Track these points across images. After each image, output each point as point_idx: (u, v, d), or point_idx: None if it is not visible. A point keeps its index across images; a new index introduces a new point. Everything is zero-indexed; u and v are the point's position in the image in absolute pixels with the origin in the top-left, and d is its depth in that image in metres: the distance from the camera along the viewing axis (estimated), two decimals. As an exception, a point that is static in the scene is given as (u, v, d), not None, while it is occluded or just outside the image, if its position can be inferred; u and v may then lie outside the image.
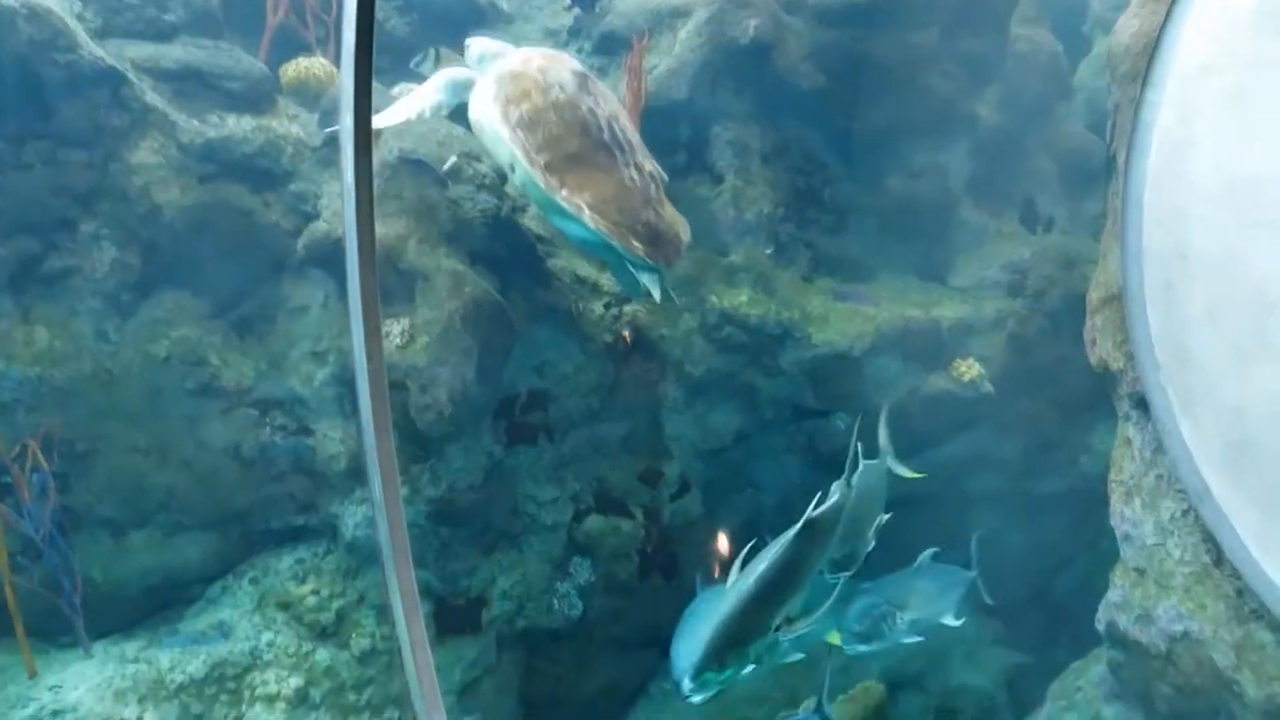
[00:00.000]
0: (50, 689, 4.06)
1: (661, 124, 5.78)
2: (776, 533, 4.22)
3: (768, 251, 5.97)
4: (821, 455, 5.85)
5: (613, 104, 4.78)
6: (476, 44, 5.02)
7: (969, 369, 5.98)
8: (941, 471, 6.04)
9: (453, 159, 5.29)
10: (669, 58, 5.95)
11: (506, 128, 4.46)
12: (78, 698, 4.00)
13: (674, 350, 5.66)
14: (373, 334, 2.38)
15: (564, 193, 4.39)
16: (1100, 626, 4.65)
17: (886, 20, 6.21)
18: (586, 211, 4.36)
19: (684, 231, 4.70)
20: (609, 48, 6.24)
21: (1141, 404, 4.47)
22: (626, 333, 5.61)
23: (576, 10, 6.48)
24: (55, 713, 3.95)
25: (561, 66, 4.71)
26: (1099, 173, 6.27)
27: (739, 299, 5.74)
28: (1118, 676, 4.62)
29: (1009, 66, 6.68)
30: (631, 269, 4.54)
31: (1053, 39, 7.00)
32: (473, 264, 5.12)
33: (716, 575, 4.83)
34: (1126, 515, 4.70)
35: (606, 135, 4.56)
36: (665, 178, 4.83)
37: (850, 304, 5.98)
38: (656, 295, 4.58)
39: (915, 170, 6.44)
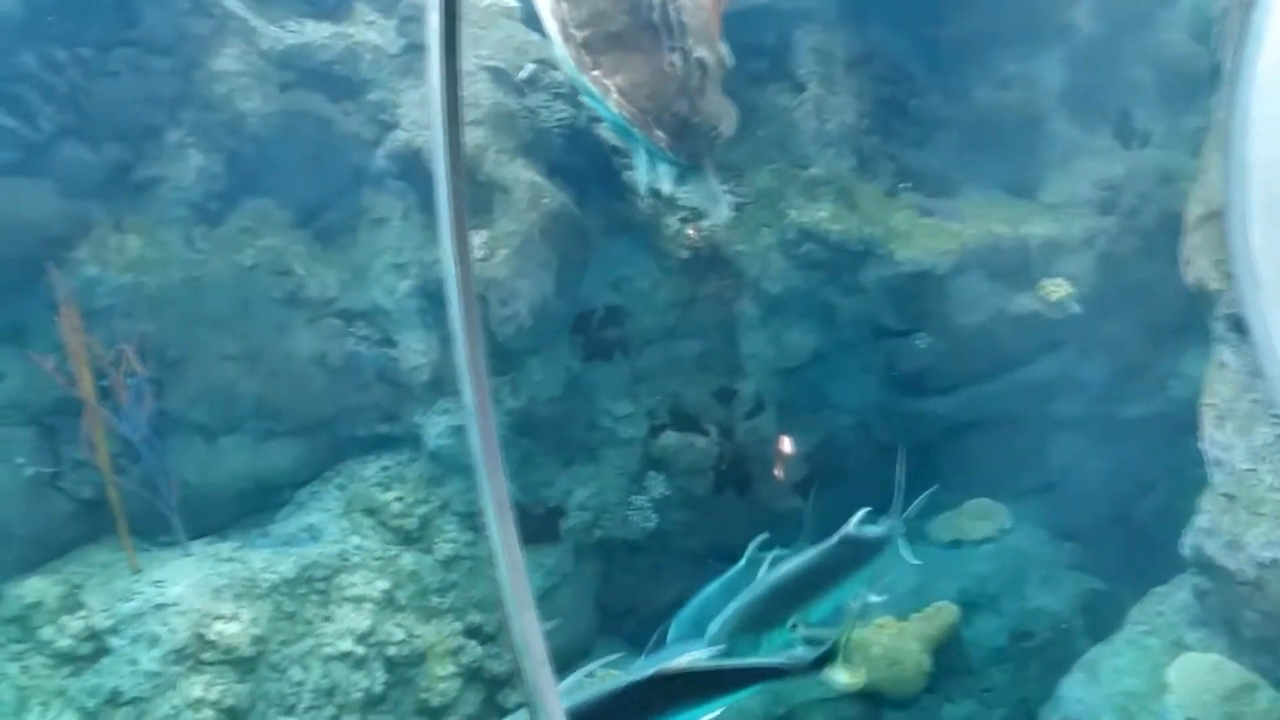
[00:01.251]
0: (153, 584, 4.24)
1: (744, 27, 5.58)
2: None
3: (850, 164, 5.81)
4: (900, 376, 5.77)
5: None
6: None
7: (1056, 289, 5.81)
8: (1025, 393, 5.94)
9: (530, 66, 5.20)
10: (752, -38, 5.72)
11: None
12: (179, 593, 4.17)
13: (751, 267, 5.57)
14: (461, 242, 2.37)
15: (596, 73, 4.28)
16: (1186, 552, 4.58)
17: (981, -77, 5.90)
18: (614, 94, 4.24)
19: (726, 125, 4.55)
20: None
21: (1239, 326, 4.32)
22: (694, 239, 5.48)
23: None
24: (159, 606, 4.13)
25: None
26: (1200, 85, 5.96)
27: (819, 214, 5.61)
28: (1203, 603, 4.56)
29: (1109, -30, 6.33)
30: (649, 157, 4.45)
31: (1157, -61, 6.60)
32: (550, 175, 5.06)
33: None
34: (1218, 440, 4.59)
35: (656, 15, 4.37)
36: (729, 63, 4.66)
37: (935, 220, 5.81)
38: (667, 189, 4.50)
39: (1004, 80, 6.18)
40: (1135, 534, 5.73)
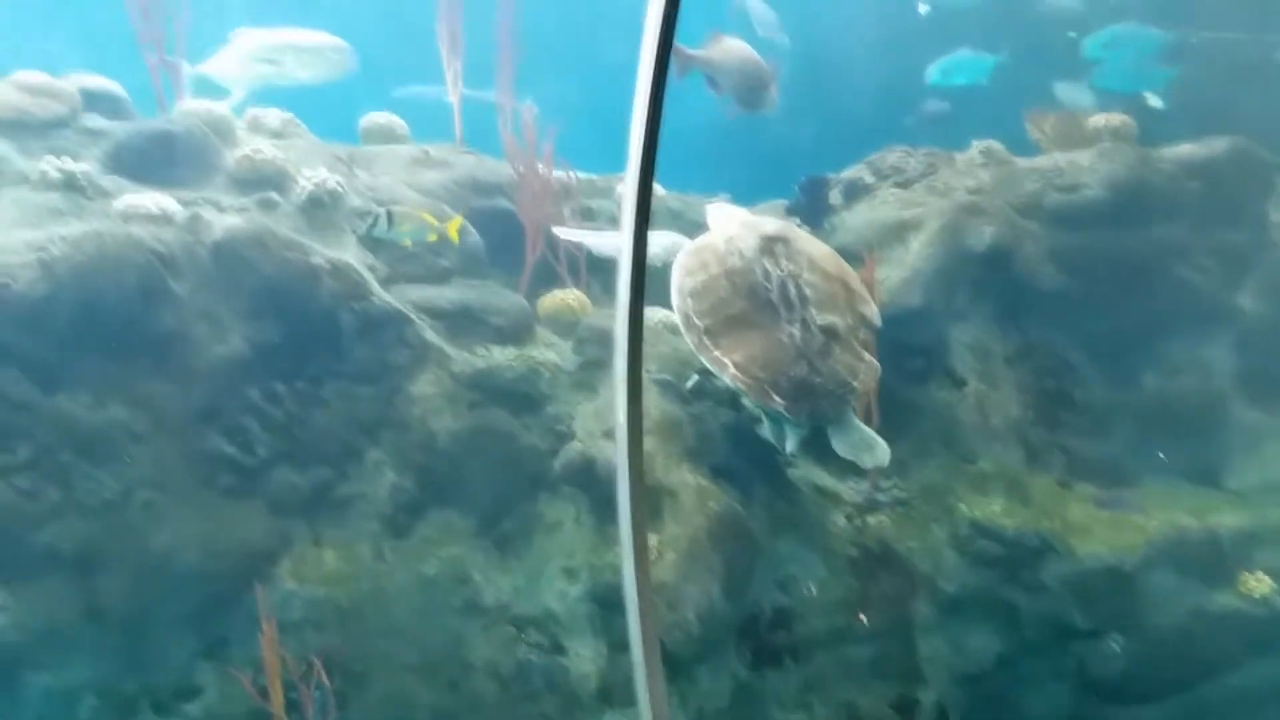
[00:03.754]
0: None
1: (898, 330, 5.80)
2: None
3: (1019, 457, 5.75)
4: (1094, 682, 5.36)
5: (800, 262, 4.94)
6: (714, 209, 5.45)
7: (1259, 583, 5.40)
8: (1236, 701, 5.39)
9: (695, 377, 5.51)
10: (901, 268, 6.03)
11: (679, 296, 4.87)
12: None
13: (923, 564, 5.45)
14: (641, 557, 2.48)
15: (716, 353, 4.73)
16: None
17: (1130, 217, 6.07)
18: (730, 369, 4.68)
19: (865, 379, 4.84)
20: (841, 261, 6.41)
21: None
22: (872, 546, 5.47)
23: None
24: None
25: (752, 232, 5.00)
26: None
27: (991, 508, 5.52)
28: None
29: (1271, 254, 6.31)
30: (772, 421, 4.84)
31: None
32: (715, 478, 5.21)
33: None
34: None
35: (775, 294, 4.82)
36: (876, 322, 5.04)
37: (1115, 512, 5.62)
38: (791, 448, 4.81)
39: (1174, 366, 6.10)
40: None
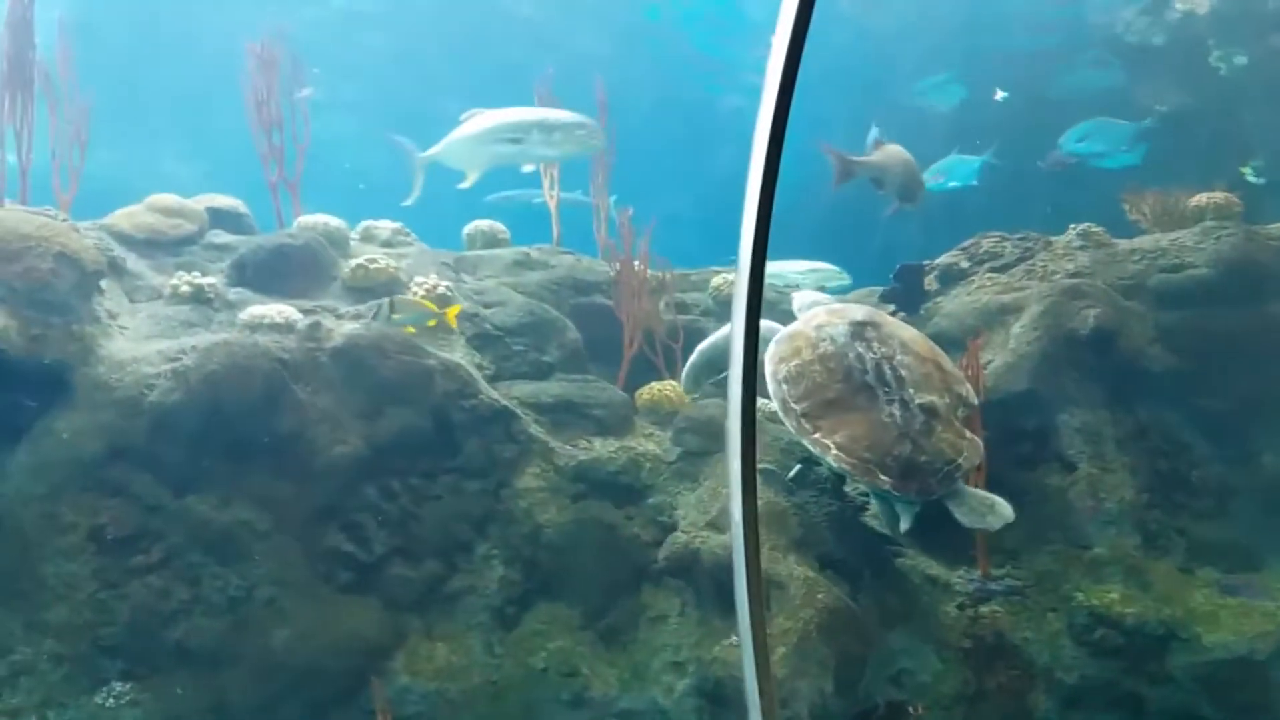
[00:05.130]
0: None
1: (1003, 415, 5.74)
2: None
3: (1135, 542, 5.56)
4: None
5: (893, 345, 5.05)
6: (800, 296, 5.63)
7: None
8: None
9: (798, 466, 5.52)
10: (1004, 352, 5.99)
11: (773, 382, 4.98)
12: None
13: (1041, 655, 5.27)
14: (761, 655, 2.50)
15: (816, 435, 4.80)
16: None
17: (1236, 293, 5.96)
18: (832, 451, 4.74)
19: (969, 455, 4.86)
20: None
21: None
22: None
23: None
24: None
25: (843, 318, 5.14)
26: None
27: (1109, 596, 5.33)
28: None
29: (1393, 325, 6.08)
30: (882, 501, 4.93)
31: None
32: (822, 569, 5.17)
33: None
34: None
35: (871, 376, 4.92)
36: (972, 400, 5.11)
37: (1241, 599, 5.36)
38: (905, 526, 4.84)
39: (1296, 444, 5.86)
40: None
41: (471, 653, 5.15)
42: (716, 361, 5.73)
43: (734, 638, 4.99)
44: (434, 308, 5.84)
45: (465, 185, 7.02)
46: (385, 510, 5.38)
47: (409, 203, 7.27)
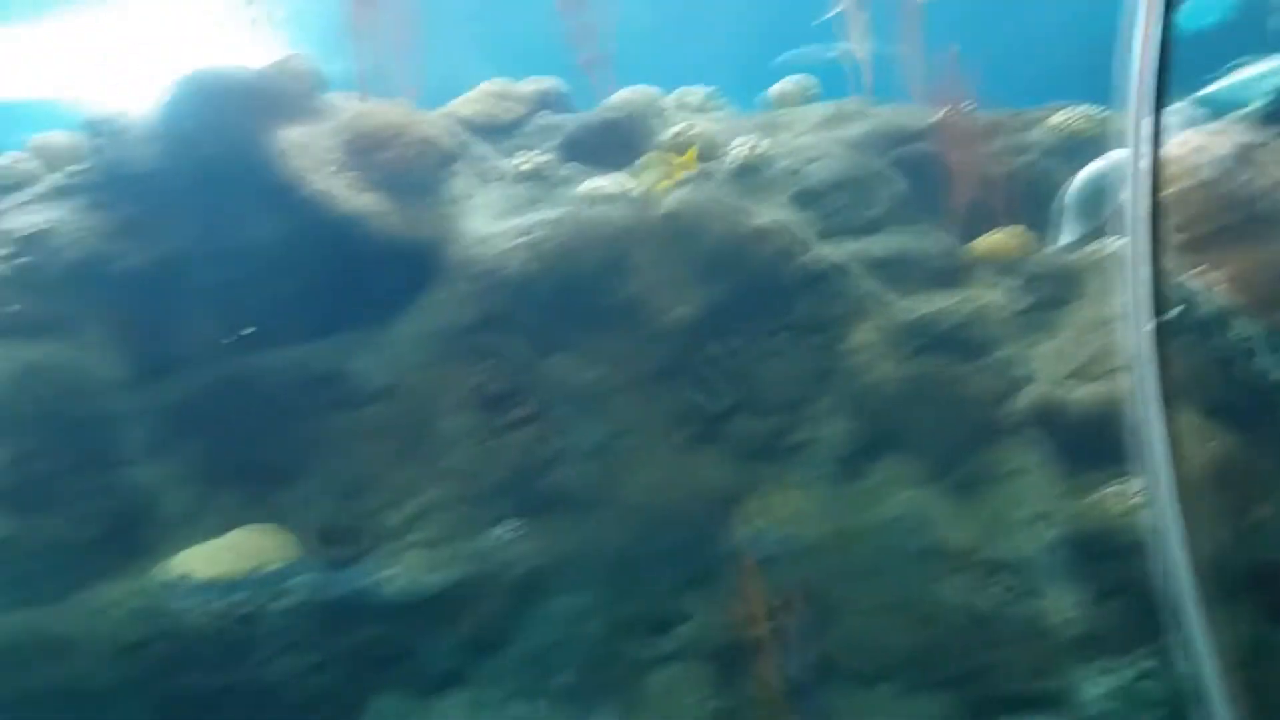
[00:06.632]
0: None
1: None
2: None
3: None
4: None
5: None
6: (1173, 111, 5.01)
7: None
8: None
9: (1177, 308, 5.07)
10: None
11: None
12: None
13: None
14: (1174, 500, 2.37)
15: (1196, 270, 4.39)
16: None
17: None
18: (1219, 287, 4.37)
19: None
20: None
21: None
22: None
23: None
24: None
25: (1221, 142, 4.57)
26: None
27: None
28: None
29: None
30: (1273, 351, 4.49)
31: None
32: (1207, 417, 4.77)
33: None
34: None
35: (1261, 206, 4.40)
36: None
37: None
38: None
39: None
40: None
41: (821, 501, 5.26)
42: (1091, 200, 5.29)
43: (1105, 489, 4.76)
44: (677, 158, 5.83)
45: None
46: (727, 366, 5.54)
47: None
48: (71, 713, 4.97)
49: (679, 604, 5.28)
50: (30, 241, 5.64)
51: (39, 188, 5.96)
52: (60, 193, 5.84)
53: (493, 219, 6.04)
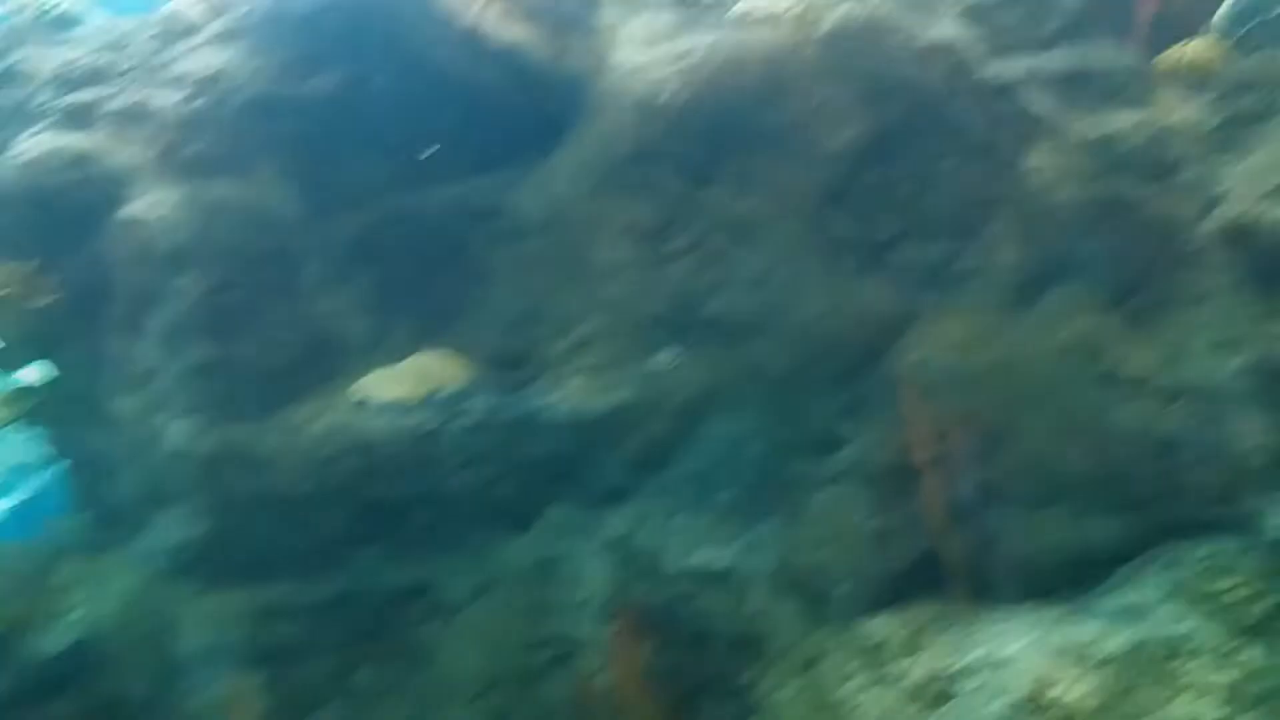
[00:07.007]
0: (987, 639, 4.53)
1: None
2: None
3: None
4: None
5: None
6: None
7: None
8: None
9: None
10: None
11: None
12: (1014, 651, 4.40)
13: None
14: None
15: None
16: None
17: None
18: None
19: None
20: None
21: None
22: None
23: None
24: (996, 661, 4.40)
25: None
26: None
27: None
28: None
29: None
30: None
31: None
32: None
33: None
34: None
35: None
36: None
37: None
38: None
39: None
40: None
41: (989, 329, 5.15)
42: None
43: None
44: None
45: None
46: (890, 193, 5.40)
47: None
48: (276, 518, 5.47)
49: (842, 428, 5.32)
50: (205, 84, 5.86)
51: (208, 32, 6.15)
52: (230, 35, 6.00)
53: (640, 49, 5.92)
